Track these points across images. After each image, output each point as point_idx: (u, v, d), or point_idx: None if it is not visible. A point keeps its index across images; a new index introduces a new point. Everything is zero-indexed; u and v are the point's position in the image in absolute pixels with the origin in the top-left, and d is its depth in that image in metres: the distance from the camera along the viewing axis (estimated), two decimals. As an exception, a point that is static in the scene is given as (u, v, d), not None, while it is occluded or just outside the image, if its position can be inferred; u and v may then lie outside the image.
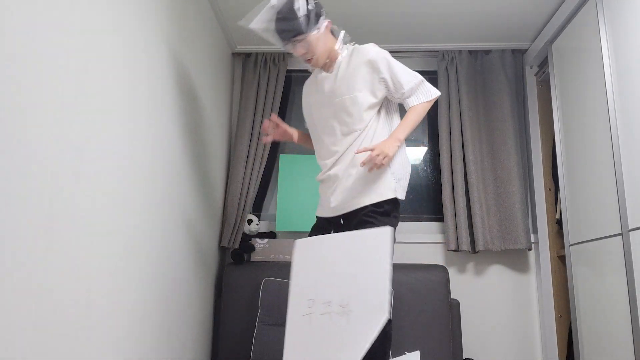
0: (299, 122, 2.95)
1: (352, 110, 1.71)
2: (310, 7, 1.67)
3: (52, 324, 1.13)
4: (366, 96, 1.72)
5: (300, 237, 1.67)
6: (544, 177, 2.69)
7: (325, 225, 1.87)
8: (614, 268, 1.87)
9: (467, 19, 2.56)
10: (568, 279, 2.22)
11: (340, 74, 1.76)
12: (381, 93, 1.74)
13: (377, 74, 1.72)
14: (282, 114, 2.91)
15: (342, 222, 1.81)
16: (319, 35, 1.70)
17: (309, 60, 1.73)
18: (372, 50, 1.73)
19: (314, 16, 1.67)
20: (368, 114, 1.73)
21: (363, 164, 1.63)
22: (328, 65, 1.79)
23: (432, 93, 1.78)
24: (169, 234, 1.87)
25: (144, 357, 1.64)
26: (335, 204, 1.77)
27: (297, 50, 1.69)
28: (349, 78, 1.74)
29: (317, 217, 1.93)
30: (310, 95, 1.89)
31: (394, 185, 1.71)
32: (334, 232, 1.79)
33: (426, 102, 1.76)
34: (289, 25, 1.63)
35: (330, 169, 1.79)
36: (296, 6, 1.63)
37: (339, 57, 1.78)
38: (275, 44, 1.72)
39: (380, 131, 1.75)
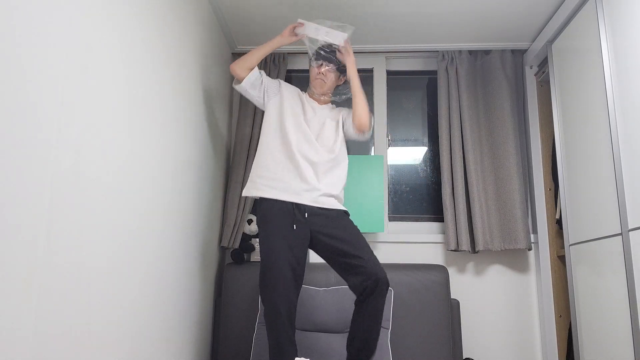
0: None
1: (331, 133, 2.14)
2: None
3: (52, 324, 1.13)
4: (338, 127, 2.19)
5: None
6: (544, 177, 2.69)
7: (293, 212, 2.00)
8: (613, 268, 1.87)
9: (467, 19, 2.56)
10: (568, 279, 2.22)
11: (327, 108, 2.24)
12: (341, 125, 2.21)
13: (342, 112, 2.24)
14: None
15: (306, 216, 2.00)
16: (339, 80, 2.23)
17: (321, 75, 2.16)
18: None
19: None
20: (340, 138, 2.15)
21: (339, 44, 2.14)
22: (323, 101, 2.23)
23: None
24: (169, 234, 1.87)
25: (144, 357, 1.64)
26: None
27: (324, 67, 2.15)
28: (331, 111, 2.23)
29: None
30: (297, 106, 2.17)
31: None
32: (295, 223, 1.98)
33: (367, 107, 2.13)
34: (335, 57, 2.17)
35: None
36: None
37: (330, 104, 2.27)
38: (313, 38, 2.13)
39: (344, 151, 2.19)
